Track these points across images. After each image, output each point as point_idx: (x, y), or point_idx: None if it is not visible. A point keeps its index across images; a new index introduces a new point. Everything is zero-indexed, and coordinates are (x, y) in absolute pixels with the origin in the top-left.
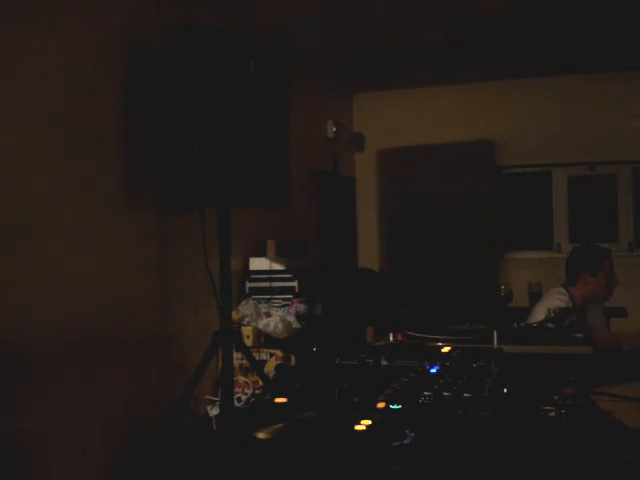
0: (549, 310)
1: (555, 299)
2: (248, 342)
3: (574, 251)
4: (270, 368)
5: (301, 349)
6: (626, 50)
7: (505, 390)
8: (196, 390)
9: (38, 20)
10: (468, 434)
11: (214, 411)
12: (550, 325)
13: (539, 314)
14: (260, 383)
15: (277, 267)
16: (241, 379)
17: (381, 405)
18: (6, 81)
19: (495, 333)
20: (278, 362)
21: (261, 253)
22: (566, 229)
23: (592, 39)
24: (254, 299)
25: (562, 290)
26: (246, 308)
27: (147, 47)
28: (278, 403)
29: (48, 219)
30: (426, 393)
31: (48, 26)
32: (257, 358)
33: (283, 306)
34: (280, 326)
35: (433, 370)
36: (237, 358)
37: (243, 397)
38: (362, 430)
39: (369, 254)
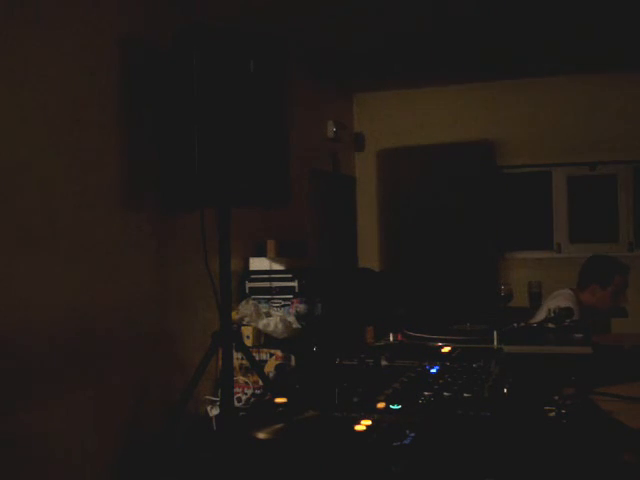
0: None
1: (562, 302)
2: (248, 342)
3: (592, 259)
4: (270, 368)
5: (301, 349)
6: (626, 50)
7: (505, 390)
8: (196, 390)
9: (38, 21)
10: (468, 434)
11: (214, 411)
12: (550, 325)
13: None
14: (260, 383)
15: (277, 267)
16: (241, 379)
17: (381, 405)
18: (6, 83)
19: (495, 333)
20: (278, 362)
21: (261, 253)
22: (566, 229)
23: (592, 39)
24: (254, 299)
25: (569, 293)
26: (246, 308)
27: (147, 47)
28: (278, 403)
29: (48, 219)
30: (426, 393)
31: (48, 27)
32: (257, 358)
33: (283, 306)
34: (280, 326)
35: (433, 370)
36: (237, 358)
37: (243, 397)
38: (362, 430)
39: (369, 254)
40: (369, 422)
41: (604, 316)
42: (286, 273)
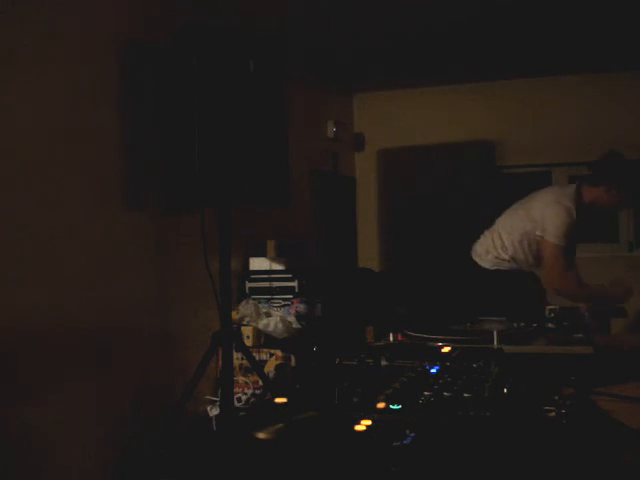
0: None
1: (558, 210)
2: (248, 342)
3: (611, 156)
4: (270, 368)
5: (301, 349)
6: (626, 50)
7: (505, 390)
8: (196, 390)
9: (37, 20)
10: (468, 434)
11: (214, 411)
12: (550, 325)
13: (541, 209)
14: (260, 383)
15: (277, 267)
16: (241, 379)
17: (381, 405)
18: (5, 82)
19: (495, 333)
20: (278, 362)
21: (261, 253)
22: None
23: (592, 39)
24: (254, 299)
25: (571, 196)
26: (246, 308)
27: (147, 47)
28: (278, 403)
29: (48, 219)
30: (426, 393)
31: (47, 26)
32: (257, 358)
33: (283, 306)
34: (280, 326)
35: (433, 370)
36: (237, 358)
37: (243, 397)
38: (362, 430)
39: (369, 254)
40: (369, 422)
41: (606, 213)
42: (286, 273)
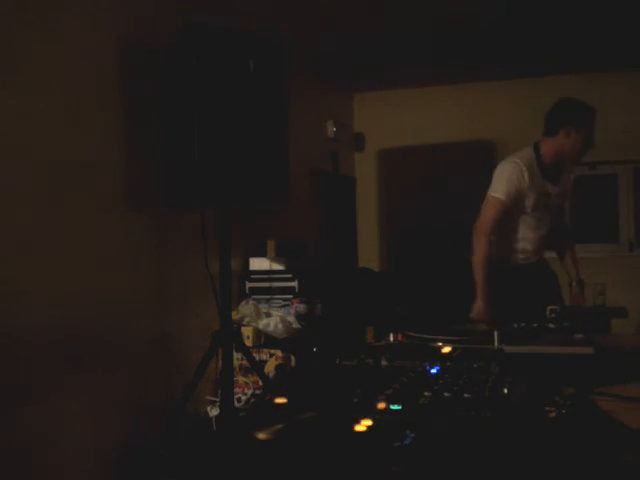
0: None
1: (505, 166)
2: (248, 342)
3: (562, 102)
4: (270, 368)
5: (301, 349)
6: (626, 50)
7: (505, 390)
8: (196, 390)
9: (37, 21)
10: (468, 434)
11: (214, 411)
12: (550, 325)
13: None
14: (260, 383)
15: (277, 267)
16: (241, 379)
17: (381, 405)
18: (5, 82)
19: (495, 333)
20: (278, 362)
21: (261, 253)
22: None
23: (592, 39)
24: (254, 299)
25: (523, 154)
26: (246, 308)
27: (147, 47)
28: (278, 403)
29: (48, 219)
30: (426, 393)
31: (47, 27)
32: (257, 358)
33: (283, 306)
34: (280, 326)
35: (433, 370)
36: (237, 358)
37: (243, 397)
38: (362, 431)
39: (369, 254)
40: (369, 422)
41: (572, 163)
42: (286, 273)
